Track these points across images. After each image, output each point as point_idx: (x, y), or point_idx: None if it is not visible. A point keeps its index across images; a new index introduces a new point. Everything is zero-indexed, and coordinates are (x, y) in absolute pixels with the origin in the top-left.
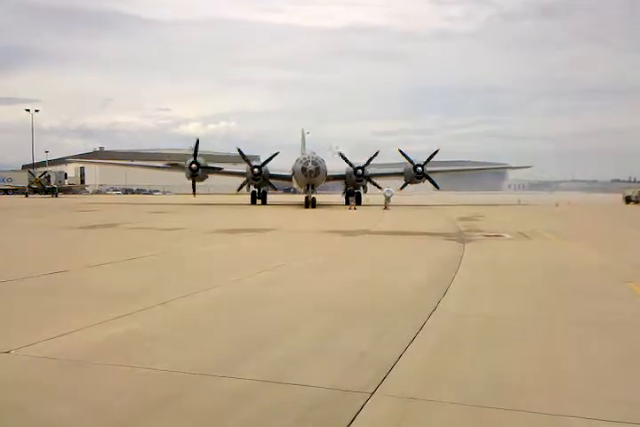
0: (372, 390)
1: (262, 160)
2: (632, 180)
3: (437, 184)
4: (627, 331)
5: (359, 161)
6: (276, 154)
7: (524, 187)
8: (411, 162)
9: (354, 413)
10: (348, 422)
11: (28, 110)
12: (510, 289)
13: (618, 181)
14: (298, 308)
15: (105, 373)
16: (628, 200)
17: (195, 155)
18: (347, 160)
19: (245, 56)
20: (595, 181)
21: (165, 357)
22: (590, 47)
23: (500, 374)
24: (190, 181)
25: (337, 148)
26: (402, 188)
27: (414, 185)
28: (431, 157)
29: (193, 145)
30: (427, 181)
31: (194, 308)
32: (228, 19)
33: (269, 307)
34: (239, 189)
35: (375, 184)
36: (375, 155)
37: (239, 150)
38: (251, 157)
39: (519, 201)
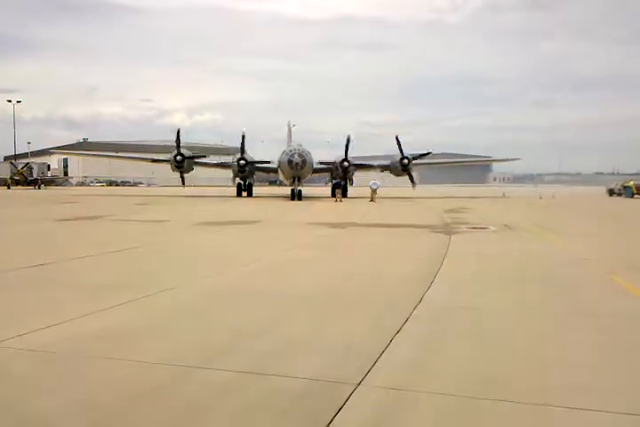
0: (359, 381)
1: (249, 152)
2: (615, 172)
3: (414, 182)
4: (610, 321)
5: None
6: (244, 136)
7: (508, 179)
8: (402, 153)
9: (340, 404)
10: (333, 413)
11: (9, 101)
12: (495, 281)
13: (601, 173)
14: (284, 300)
15: (90, 365)
16: (611, 193)
17: (178, 146)
18: (347, 147)
19: (232, 46)
20: (578, 174)
21: (150, 349)
22: (579, 39)
23: (485, 364)
24: (175, 173)
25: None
26: (413, 184)
27: (400, 178)
28: (400, 146)
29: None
30: (413, 173)
31: (179, 300)
32: (215, 7)
33: (255, 299)
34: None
35: (365, 166)
36: (348, 141)
37: (242, 140)
38: (237, 149)
39: (504, 194)
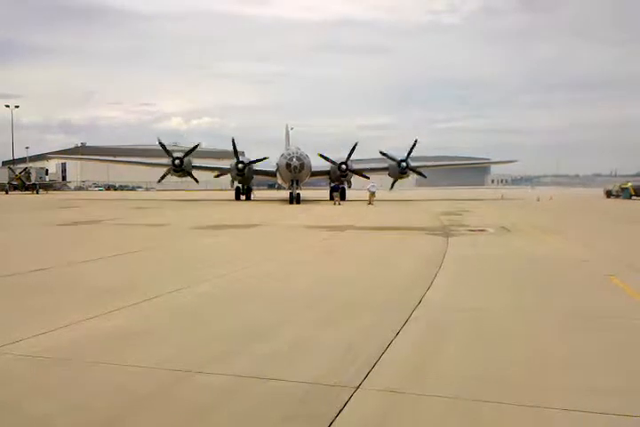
0: (357, 384)
1: (247, 156)
2: (613, 174)
3: (424, 174)
4: (609, 323)
5: (344, 156)
6: (265, 159)
7: (506, 181)
8: (393, 159)
9: (339, 407)
10: (333, 417)
11: (7, 106)
12: (493, 283)
13: (599, 175)
14: (284, 303)
15: (91, 370)
16: (609, 194)
17: (167, 153)
18: (327, 159)
19: (230, 50)
20: (576, 176)
21: (151, 353)
22: (575, 41)
23: (485, 366)
24: (173, 177)
25: None
26: (391, 187)
27: (398, 181)
28: (411, 149)
29: (176, 141)
30: (411, 176)
31: (180, 304)
32: (213, 11)
33: (255, 302)
34: (216, 176)
35: (363, 175)
36: (354, 147)
37: (234, 142)
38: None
39: (502, 196)
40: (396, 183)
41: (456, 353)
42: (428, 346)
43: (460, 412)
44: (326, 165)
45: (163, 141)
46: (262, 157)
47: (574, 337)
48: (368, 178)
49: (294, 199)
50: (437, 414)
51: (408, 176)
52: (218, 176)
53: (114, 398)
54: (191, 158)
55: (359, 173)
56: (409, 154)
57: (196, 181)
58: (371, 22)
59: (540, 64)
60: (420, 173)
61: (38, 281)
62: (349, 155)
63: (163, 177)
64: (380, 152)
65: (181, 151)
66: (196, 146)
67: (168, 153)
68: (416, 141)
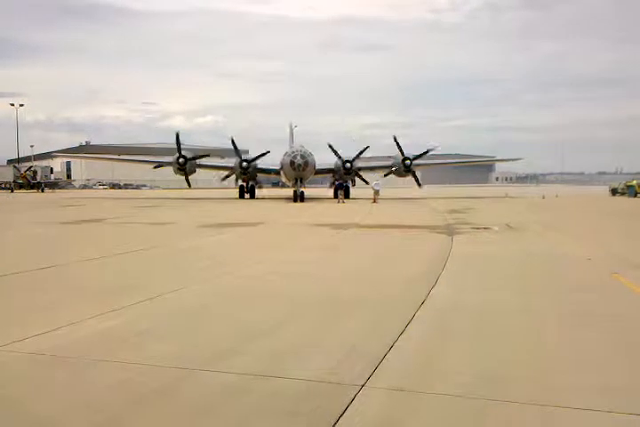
0: (363, 383)
1: (251, 154)
2: (618, 172)
3: (420, 182)
4: (614, 320)
5: (347, 154)
6: (267, 153)
7: (511, 179)
8: (402, 153)
9: (344, 406)
10: (338, 415)
11: (12, 104)
12: (498, 281)
13: (604, 173)
14: (288, 302)
15: (95, 368)
16: (614, 192)
17: (179, 149)
18: (336, 152)
19: (232, 48)
20: (581, 174)
21: (155, 351)
22: (579, 39)
23: (490, 365)
24: (178, 176)
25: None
26: (385, 175)
27: (402, 179)
28: (423, 154)
29: (182, 139)
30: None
31: (183, 302)
32: (214, 10)
33: (258, 301)
34: (223, 179)
35: (363, 179)
36: (365, 149)
37: (233, 141)
38: (239, 151)
39: (506, 194)
40: (401, 182)
41: (461, 352)
42: (432, 345)
43: (467, 411)
44: (331, 163)
45: (168, 140)
46: (265, 152)
47: (580, 335)
48: (368, 183)
49: (298, 197)
50: (444, 413)
51: (413, 174)
52: (225, 178)
53: (119, 396)
54: (192, 154)
55: (361, 176)
56: (401, 151)
57: (188, 185)
58: (373, 21)
59: (543, 61)
60: (417, 181)
61: (43, 279)
62: (357, 155)
63: (160, 165)
64: (394, 138)
65: (187, 150)
66: (206, 155)
67: (179, 149)
68: (395, 137)
